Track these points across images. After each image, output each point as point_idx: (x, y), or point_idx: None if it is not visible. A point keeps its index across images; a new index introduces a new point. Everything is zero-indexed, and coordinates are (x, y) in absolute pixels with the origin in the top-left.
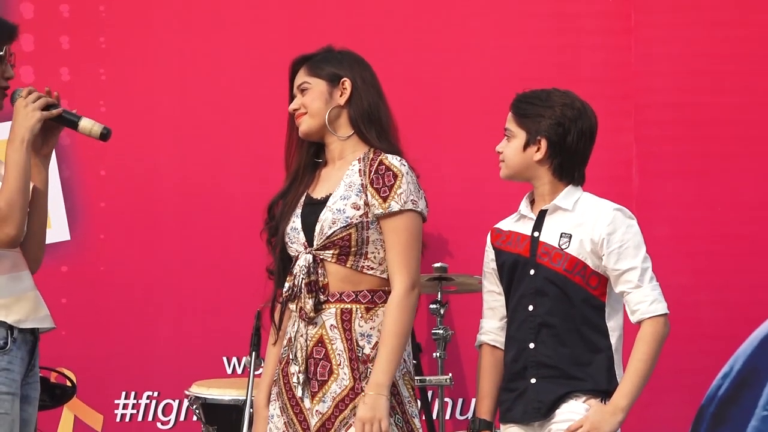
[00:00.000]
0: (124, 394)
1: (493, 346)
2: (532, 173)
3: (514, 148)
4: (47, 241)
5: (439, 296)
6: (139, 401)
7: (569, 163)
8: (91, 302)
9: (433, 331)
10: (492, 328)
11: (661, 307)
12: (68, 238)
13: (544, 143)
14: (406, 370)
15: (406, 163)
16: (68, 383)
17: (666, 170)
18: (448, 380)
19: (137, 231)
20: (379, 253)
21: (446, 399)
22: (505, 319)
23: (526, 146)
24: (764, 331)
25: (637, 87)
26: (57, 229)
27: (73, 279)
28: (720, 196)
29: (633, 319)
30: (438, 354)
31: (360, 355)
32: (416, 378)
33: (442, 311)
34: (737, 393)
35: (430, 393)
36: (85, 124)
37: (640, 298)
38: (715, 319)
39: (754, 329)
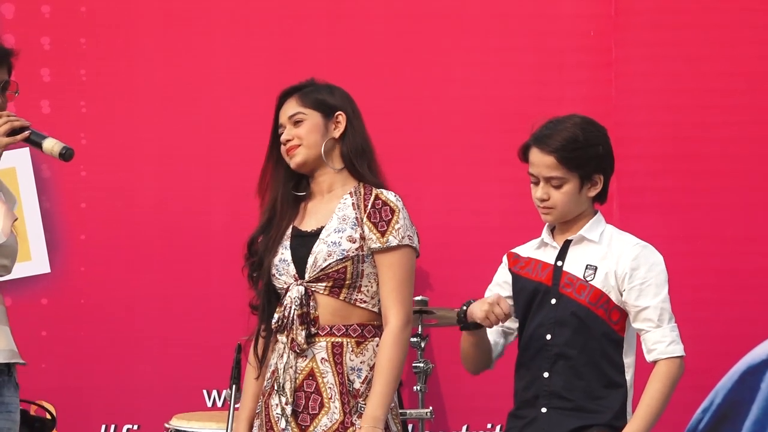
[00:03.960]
0: (104, 427)
1: None
2: (582, 208)
3: (568, 193)
4: (27, 274)
5: (419, 329)
6: None
7: (607, 185)
8: (72, 335)
9: (413, 364)
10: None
11: (679, 349)
12: (48, 270)
13: (601, 179)
14: (394, 404)
15: (400, 199)
16: (48, 416)
17: (646, 204)
18: (428, 413)
19: (117, 263)
20: (372, 287)
21: None
22: (500, 328)
23: (581, 187)
24: (745, 364)
25: (618, 121)
26: (37, 262)
27: (53, 312)
28: (701, 230)
29: (649, 358)
30: (418, 387)
31: (350, 389)
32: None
33: (422, 344)
34: (718, 427)
35: (410, 426)
36: (47, 144)
37: (658, 338)
38: (696, 352)
39: (735, 363)
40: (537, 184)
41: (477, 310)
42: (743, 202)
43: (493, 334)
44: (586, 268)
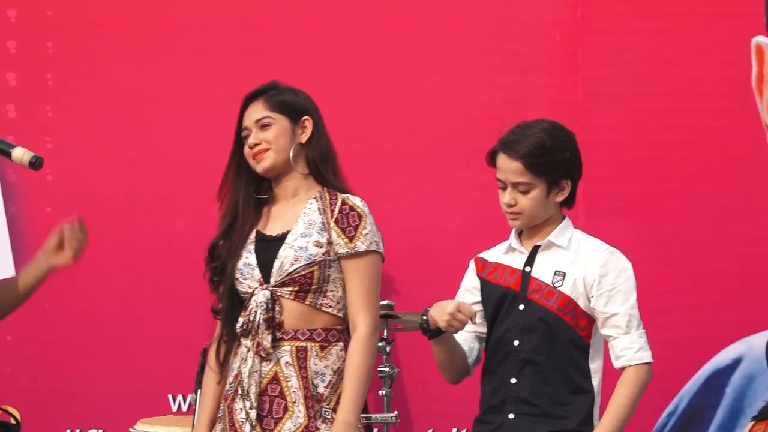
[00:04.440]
0: (68, 431)
1: None
2: (550, 213)
3: (535, 199)
4: None
5: (385, 334)
6: None
7: (575, 189)
8: (36, 339)
9: (378, 369)
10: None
11: (647, 356)
12: (14, 274)
13: (568, 184)
14: None
15: (366, 205)
16: (12, 421)
17: (612, 209)
18: (393, 418)
19: (82, 268)
20: (337, 292)
21: None
22: (473, 333)
23: (548, 193)
24: (709, 369)
25: (585, 125)
26: (2, 266)
27: (18, 316)
28: (667, 234)
29: (617, 364)
30: (384, 392)
31: (315, 393)
32: (362, 416)
33: (388, 349)
34: (683, 431)
35: (375, 431)
36: (17, 153)
37: (626, 344)
38: (659, 357)
39: (700, 367)
40: (504, 189)
41: (438, 318)
42: (710, 206)
43: (467, 340)
44: (555, 274)
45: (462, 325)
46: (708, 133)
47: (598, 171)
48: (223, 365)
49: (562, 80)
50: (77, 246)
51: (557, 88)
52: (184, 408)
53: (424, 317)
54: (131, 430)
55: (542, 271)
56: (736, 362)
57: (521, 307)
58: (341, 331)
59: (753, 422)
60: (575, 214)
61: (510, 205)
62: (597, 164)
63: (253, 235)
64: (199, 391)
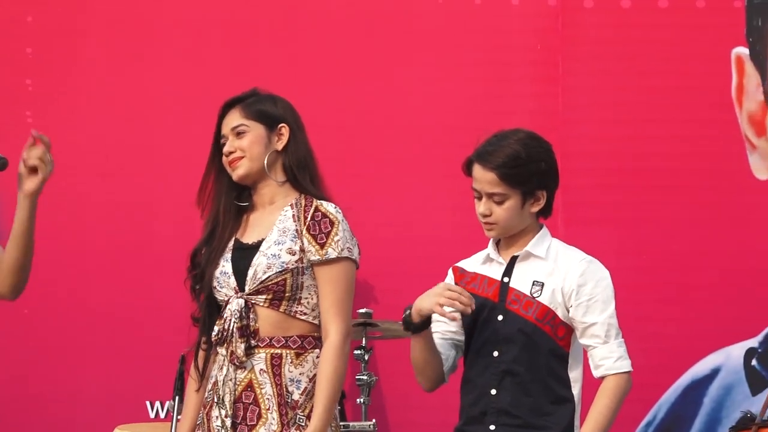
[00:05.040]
0: None
1: None
2: (526, 223)
3: (510, 209)
4: None
5: (363, 342)
6: None
7: (552, 200)
8: (14, 346)
9: (357, 377)
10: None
11: (627, 365)
12: None
13: (544, 195)
14: (334, 417)
15: (341, 211)
16: None
17: (592, 218)
18: (371, 426)
19: (61, 273)
20: (312, 299)
21: None
22: (450, 340)
23: (524, 203)
24: (687, 379)
25: (564, 135)
26: None
27: None
28: (646, 244)
29: (596, 373)
30: (362, 400)
31: (289, 400)
32: (340, 424)
33: (366, 357)
34: None
35: None
36: None
37: (605, 353)
38: (638, 366)
39: (678, 377)
40: (480, 199)
41: (425, 301)
42: (689, 216)
43: (444, 346)
44: (533, 284)
45: (451, 303)
46: (688, 144)
47: (578, 180)
48: (203, 373)
49: (543, 90)
50: (45, 166)
51: (538, 98)
52: (162, 415)
53: (408, 311)
54: None
55: (520, 281)
56: (714, 372)
57: (500, 317)
58: (317, 338)
59: None
60: (555, 223)
61: (485, 215)
62: (577, 174)
63: (231, 243)
64: (177, 398)
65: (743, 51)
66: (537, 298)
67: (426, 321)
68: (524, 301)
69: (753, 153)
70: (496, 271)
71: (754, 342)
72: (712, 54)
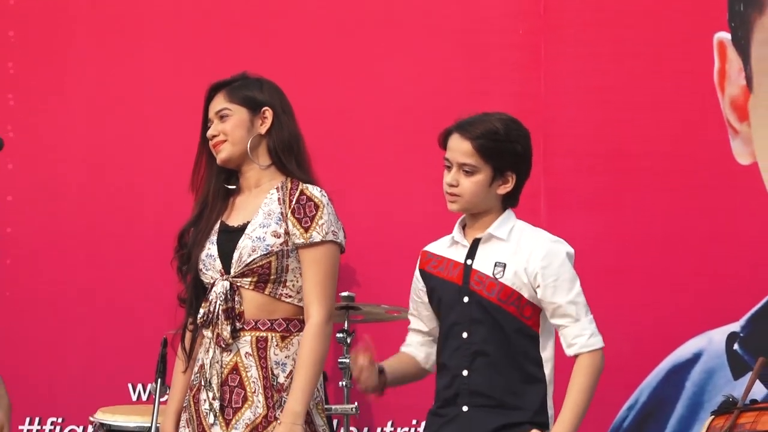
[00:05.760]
0: (28, 419)
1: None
2: (490, 205)
3: (477, 183)
4: None
5: (346, 325)
6: (43, 427)
7: (520, 189)
8: None
9: (339, 360)
10: (413, 341)
11: (598, 341)
12: None
13: (513, 178)
14: (320, 399)
15: (326, 194)
16: None
17: (574, 202)
18: (353, 409)
19: (43, 256)
20: (297, 282)
21: (352, 428)
22: (428, 337)
23: (492, 181)
24: (669, 363)
25: (547, 118)
26: None
27: None
28: (628, 228)
29: (569, 352)
30: (344, 383)
31: (274, 383)
32: (325, 407)
33: (348, 340)
34: (642, 425)
35: (335, 422)
36: None
37: (577, 332)
38: (620, 351)
39: (660, 362)
40: (450, 169)
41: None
42: (671, 201)
43: (424, 345)
44: (495, 265)
45: (365, 373)
46: (670, 128)
47: (560, 164)
48: (189, 354)
49: (525, 74)
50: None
51: (520, 82)
52: (144, 397)
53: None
54: (91, 419)
55: (483, 263)
56: (696, 357)
57: (465, 299)
58: (302, 321)
59: (712, 417)
60: (537, 207)
61: (451, 185)
62: (559, 158)
63: (217, 226)
64: (159, 380)
65: (725, 36)
66: (499, 279)
67: (381, 384)
68: (487, 282)
69: (735, 138)
70: (460, 254)
71: (736, 326)
72: (695, 39)
